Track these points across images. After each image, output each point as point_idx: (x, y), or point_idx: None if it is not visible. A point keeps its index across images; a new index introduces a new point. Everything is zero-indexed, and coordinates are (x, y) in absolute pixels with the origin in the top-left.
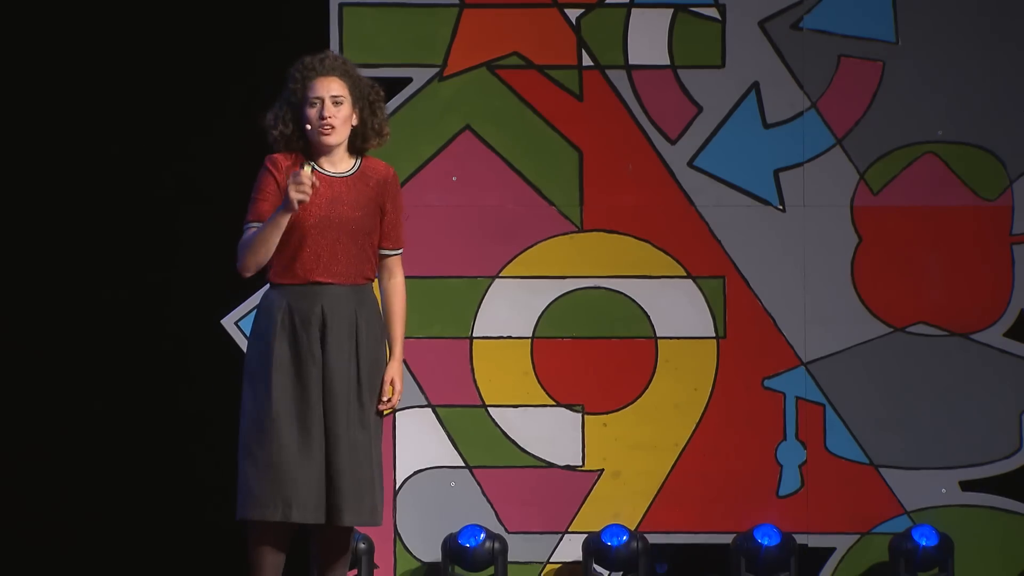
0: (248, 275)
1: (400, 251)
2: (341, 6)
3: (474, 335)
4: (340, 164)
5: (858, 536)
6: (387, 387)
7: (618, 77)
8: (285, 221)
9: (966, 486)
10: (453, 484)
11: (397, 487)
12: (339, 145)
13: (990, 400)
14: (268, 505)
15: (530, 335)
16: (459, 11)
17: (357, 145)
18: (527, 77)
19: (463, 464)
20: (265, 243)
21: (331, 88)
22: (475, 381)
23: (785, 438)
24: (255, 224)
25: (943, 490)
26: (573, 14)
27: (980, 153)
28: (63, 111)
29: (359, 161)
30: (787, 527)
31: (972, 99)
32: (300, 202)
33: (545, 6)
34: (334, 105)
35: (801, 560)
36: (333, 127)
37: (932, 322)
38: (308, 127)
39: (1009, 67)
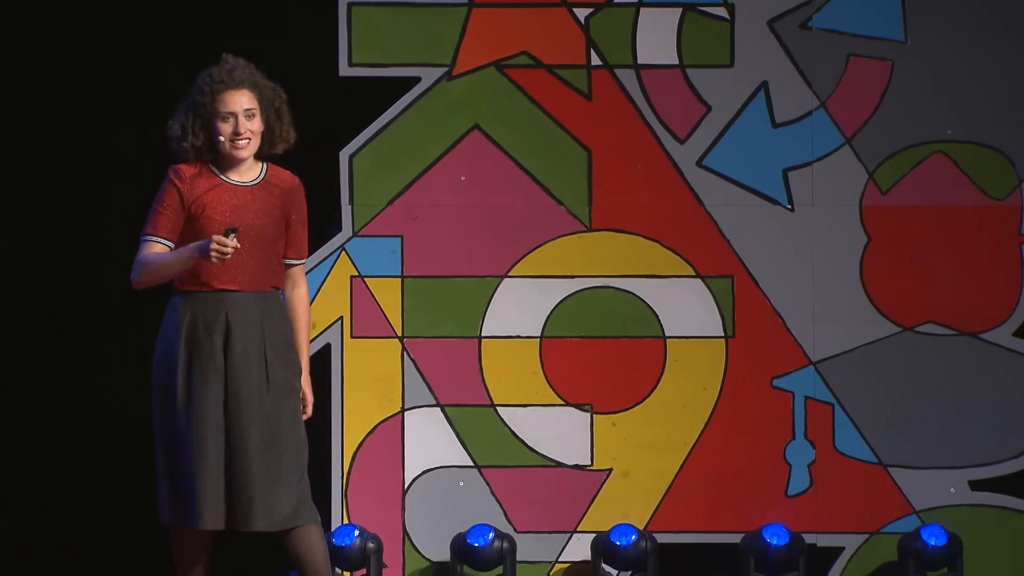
0: (138, 289)
1: (304, 261)
2: (350, 5)
3: (483, 335)
4: (246, 173)
5: (867, 535)
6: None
7: (627, 76)
8: (192, 264)
9: (975, 485)
10: (462, 483)
11: (406, 487)
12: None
13: (999, 399)
14: (176, 512)
15: (539, 335)
16: (468, 10)
17: (264, 151)
18: (536, 76)
19: (472, 464)
20: (166, 272)
21: (243, 102)
22: (484, 381)
23: (794, 437)
24: (154, 238)
25: (952, 489)
26: (582, 13)
27: (989, 153)
28: (76, 111)
29: (264, 169)
30: (796, 526)
31: (981, 99)
32: (210, 259)
33: (554, 5)
34: (248, 119)
35: (810, 559)
36: (249, 141)
37: (941, 321)
38: (221, 140)
39: (1019, 66)
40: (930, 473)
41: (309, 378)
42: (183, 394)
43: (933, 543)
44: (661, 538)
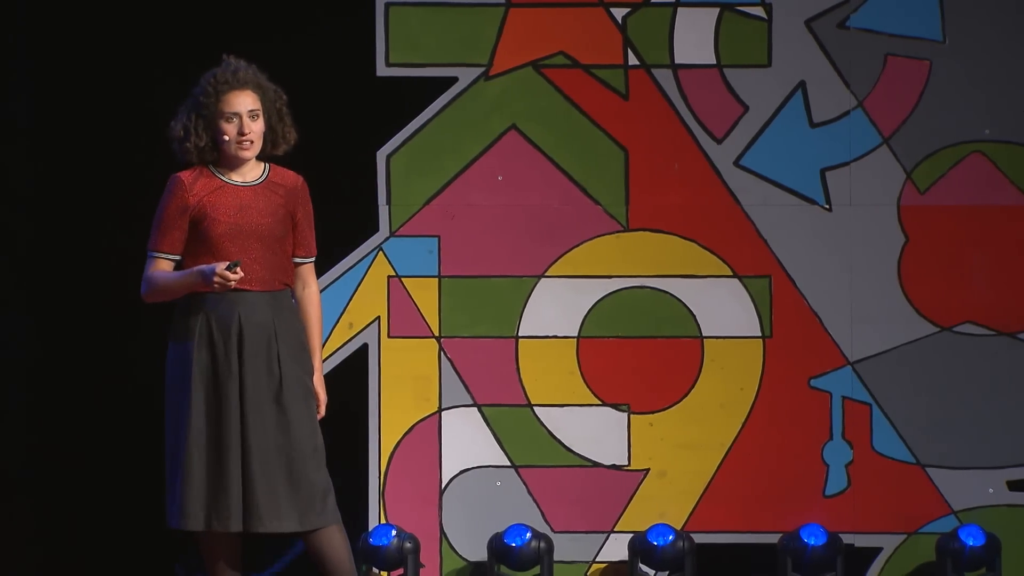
0: (150, 303)
1: (313, 259)
2: (387, 5)
3: (520, 334)
4: (248, 173)
5: (905, 536)
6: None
7: (664, 76)
8: (197, 289)
9: (1013, 486)
10: (499, 483)
11: (443, 486)
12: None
13: None
14: (189, 516)
15: (576, 335)
16: (505, 10)
17: (266, 152)
18: (573, 76)
19: (509, 463)
20: (173, 294)
21: (247, 102)
22: (521, 380)
23: (831, 438)
24: (160, 255)
25: (990, 490)
26: (619, 13)
27: None
28: (108, 112)
29: (267, 169)
30: (833, 527)
31: (1020, 98)
32: (212, 287)
33: (591, 5)
34: (252, 120)
35: (848, 560)
36: (252, 142)
37: (979, 321)
38: (226, 140)
39: None
40: (968, 473)
41: (322, 378)
42: (198, 395)
43: (971, 543)
44: (698, 538)
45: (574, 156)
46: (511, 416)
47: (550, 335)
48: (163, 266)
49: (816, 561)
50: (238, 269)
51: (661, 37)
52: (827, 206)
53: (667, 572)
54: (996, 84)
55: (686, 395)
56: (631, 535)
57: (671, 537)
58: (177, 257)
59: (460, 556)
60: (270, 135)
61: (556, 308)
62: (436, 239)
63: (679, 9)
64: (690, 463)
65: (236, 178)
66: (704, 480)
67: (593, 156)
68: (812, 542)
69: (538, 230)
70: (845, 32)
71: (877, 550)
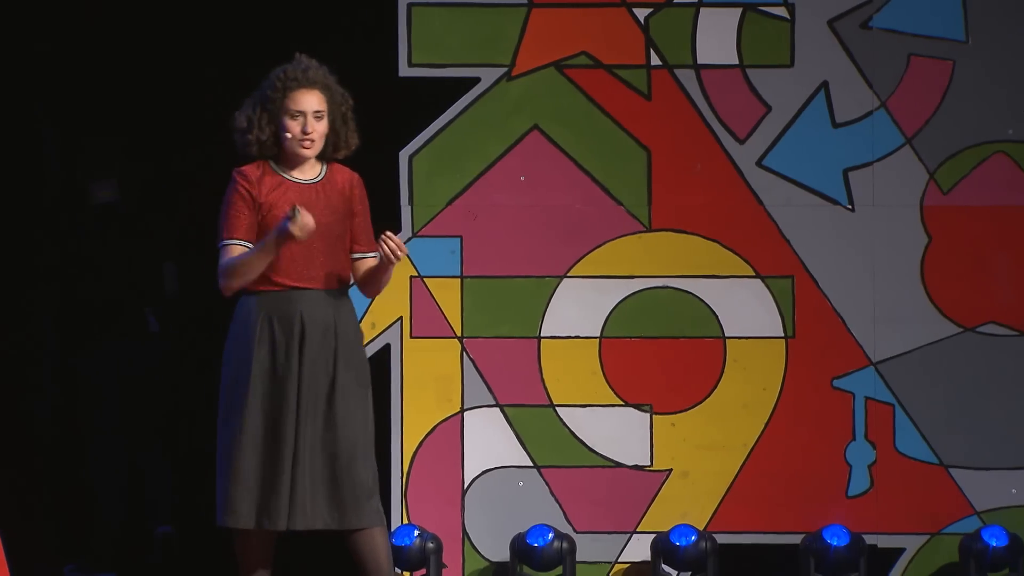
0: (230, 295)
1: (377, 252)
2: (410, 6)
3: (542, 335)
4: (308, 172)
5: (928, 536)
6: (384, 242)
7: (686, 77)
8: (277, 251)
9: None
10: (521, 484)
11: (465, 487)
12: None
13: None
14: (242, 513)
15: (598, 335)
16: (527, 11)
17: (326, 153)
18: (595, 77)
19: (531, 464)
20: (254, 270)
21: (313, 103)
22: (543, 381)
23: (854, 438)
24: (234, 242)
25: (1013, 490)
26: (642, 13)
27: None
28: (124, 118)
29: (325, 168)
30: (856, 527)
31: None
32: (297, 238)
33: (614, 5)
34: (316, 120)
35: (870, 560)
36: (314, 141)
37: (1002, 322)
38: (288, 137)
39: None
40: (991, 474)
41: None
42: (255, 394)
43: (994, 544)
44: (721, 539)
45: (596, 156)
46: (533, 416)
47: (572, 335)
48: (237, 252)
49: (839, 562)
50: (300, 211)
51: (684, 37)
52: (850, 206)
53: (689, 572)
54: (1019, 84)
55: (708, 395)
56: (653, 535)
57: (693, 537)
58: (250, 244)
59: (482, 556)
60: (332, 138)
61: (578, 308)
62: (458, 239)
63: (702, 9)
64: (712, 463)
65: (297, 175)
66: (726, 480)
67: (615, 156)
68: (835, 543)
69: (560, 230)
70: (868, 32)
71: (900, 551)
